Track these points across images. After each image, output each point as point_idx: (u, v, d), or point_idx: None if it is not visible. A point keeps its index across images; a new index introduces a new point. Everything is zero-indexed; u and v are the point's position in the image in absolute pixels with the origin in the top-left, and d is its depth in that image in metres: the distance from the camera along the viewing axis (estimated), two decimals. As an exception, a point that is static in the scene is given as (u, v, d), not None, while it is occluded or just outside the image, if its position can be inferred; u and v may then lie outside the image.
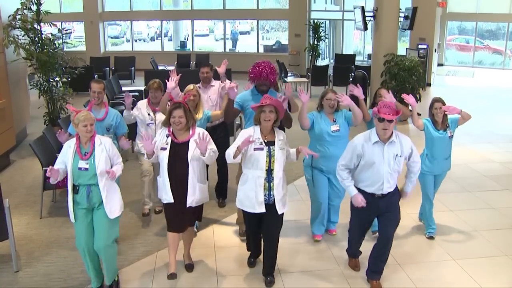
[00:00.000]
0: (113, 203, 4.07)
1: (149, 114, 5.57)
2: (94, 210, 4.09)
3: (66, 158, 4.03)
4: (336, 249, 5.01)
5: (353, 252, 4.62)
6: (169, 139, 4.27)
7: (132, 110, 5.65)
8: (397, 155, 4.02)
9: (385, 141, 4.00)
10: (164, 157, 4.24)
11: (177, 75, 5.05)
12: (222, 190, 6.18)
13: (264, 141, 4.15)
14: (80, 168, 3.97)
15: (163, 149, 4.26)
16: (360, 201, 4.12)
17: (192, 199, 4.27)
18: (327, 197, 5.05)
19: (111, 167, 4.08)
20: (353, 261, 4.65)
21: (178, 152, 4.23)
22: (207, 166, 4.79)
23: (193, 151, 4.21)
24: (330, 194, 5.08)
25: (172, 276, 4.43)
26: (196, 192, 4.29)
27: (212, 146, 4.28)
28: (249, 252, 4.73)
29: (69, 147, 4.06)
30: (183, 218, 4.34)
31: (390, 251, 4.26)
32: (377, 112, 3.95)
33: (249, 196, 4.19)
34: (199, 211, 4.53)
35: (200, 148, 4.13)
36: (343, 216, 5.36)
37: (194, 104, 5.06)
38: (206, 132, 4.33)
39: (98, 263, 4.22)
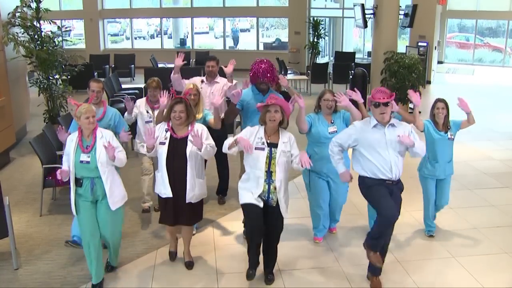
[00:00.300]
0: (115, 195, 4.15)
1: (147, 112, 5.57)
2: (98, 202, 4.15)
3: (69, 152, 4.08)
4: (337, 248, 5.01)
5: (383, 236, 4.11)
6: (168, 134, 4.28)
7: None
8: (399, 136, 4.01)
9: (385, 124, 4.04)
10: (162, 152, 4.25)
11: (182, 61, 5.40)
12: (222, 187, 6.17)
13: (266, 142, 4.10)
14: (81, 161, 4.03)
15: (162, 143, 4.27)
16: (349, 177, 4.24)
17: (192, 195, 4.28)
18: (328, 201, 4.95)
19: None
20: (376, 254, 4.13)
21: (177, 147, 4.24)
22: (205, 161, 4.78)
23: (191, 147, 4.22)
24: (330, 197, 4.96)
25: (172, 254, 4.59)
26: (196, 188, 4.30)
27: (210, 141, 4.29)
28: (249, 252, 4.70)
29: (71, 140, 4.12)
30: (177, 213, 4.34)
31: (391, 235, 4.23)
32: (371, 98, 4.03)
33: (250, 190, 4.12)
34: (199, 208, 4.51)
35: (195, 143, 4.13)
36: (343, 216, 5.35)
37: (194, 104, 5.01)
38: (203, 128, 4.34)
39: (100, 255, 4.24)
